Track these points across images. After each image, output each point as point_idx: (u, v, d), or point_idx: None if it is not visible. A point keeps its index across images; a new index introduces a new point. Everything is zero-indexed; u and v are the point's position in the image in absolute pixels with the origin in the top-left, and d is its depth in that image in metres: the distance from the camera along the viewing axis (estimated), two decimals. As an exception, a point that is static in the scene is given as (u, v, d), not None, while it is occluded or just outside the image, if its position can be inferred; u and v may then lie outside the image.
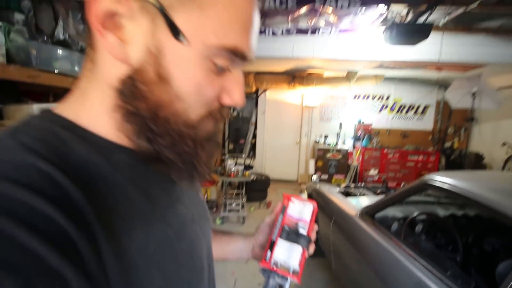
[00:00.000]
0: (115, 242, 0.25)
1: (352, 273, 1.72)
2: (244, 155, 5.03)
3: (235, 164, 3.47)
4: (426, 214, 1.53)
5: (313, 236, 0.49)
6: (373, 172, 4.77)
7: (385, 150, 4.83)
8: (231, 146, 5.66)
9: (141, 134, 0.29)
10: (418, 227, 1.48)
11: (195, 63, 0.28)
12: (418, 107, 5.39)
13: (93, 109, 0.30)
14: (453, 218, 1.61)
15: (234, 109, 4.99)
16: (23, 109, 1.35)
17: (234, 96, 0.32)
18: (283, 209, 0.50)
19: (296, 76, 4.93)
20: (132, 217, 0.28)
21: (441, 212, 1.74)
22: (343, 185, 2.75)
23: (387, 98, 5.39)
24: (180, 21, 0.26)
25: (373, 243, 1.46)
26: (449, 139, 5.36)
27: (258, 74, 4.99)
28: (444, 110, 5.31)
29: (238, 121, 5.65)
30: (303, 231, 0.47)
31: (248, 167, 3.57)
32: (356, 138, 5.21)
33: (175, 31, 0.26)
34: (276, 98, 5.56)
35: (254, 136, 5.71)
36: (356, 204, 1.92)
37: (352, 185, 2.73)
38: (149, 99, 0.28)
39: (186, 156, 0.31)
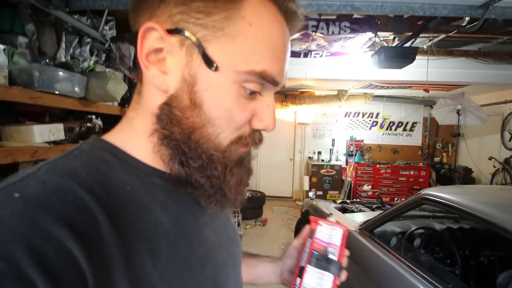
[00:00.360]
0: (135, 270, 0.26)
1: (353, 290, 1.70)
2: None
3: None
4: (423, 228, 1.56)
5: (344, 262, 0.47)
6: (366, 187, 4.82)
7: (378, 166, 4.92)
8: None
9: (175, 157, 0.31)
10: (417, 241, 1.51)
11: (226, 89, 0.30)
12: (406, 124, 5.58)
13: (136, 136, 0.33)
14: (449, 231, 1.65)
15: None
16: (22, 130, 1.34)
17: (265, 120, 0.33)
18: (311, 233, 0.47)
19: (289, 95, 5.07)
20: (158, 242, 0.29)
21: (437, 226, 1.77)
22: (338, 201, 2.77)
23: (377, 115, 5.59)
24: (212, 51, 0.29)
25: (374, 258, 1.47)
26: (438, 154, 5.53)
27: (251, 93, 5.11)
28: (432, 126, 5.52)
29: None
30: (333, 256, 0.44)
31: (243, 185, 3.55)
32: (349, 154, 5.31)
33: (209, 62, 0.29)
34: (270, 116, 5.66)
35: (248, 153, 5.74)
36: (354, 220, 1.94)
37: (348, 201, 2.75)
38: (183, 123, 0.30)
39: (215, 180, 0.31)
